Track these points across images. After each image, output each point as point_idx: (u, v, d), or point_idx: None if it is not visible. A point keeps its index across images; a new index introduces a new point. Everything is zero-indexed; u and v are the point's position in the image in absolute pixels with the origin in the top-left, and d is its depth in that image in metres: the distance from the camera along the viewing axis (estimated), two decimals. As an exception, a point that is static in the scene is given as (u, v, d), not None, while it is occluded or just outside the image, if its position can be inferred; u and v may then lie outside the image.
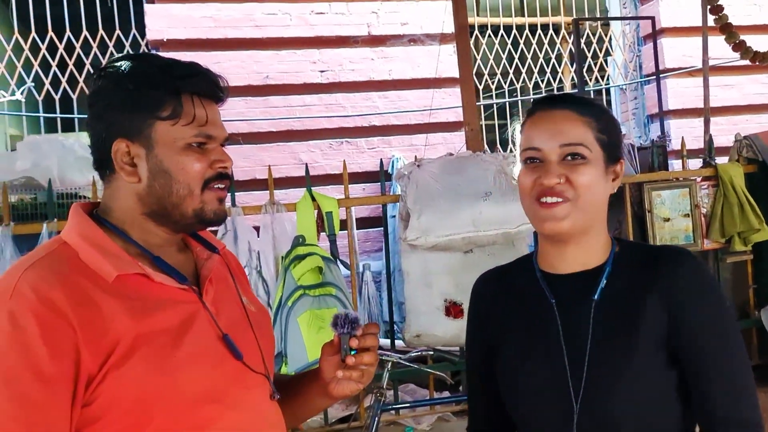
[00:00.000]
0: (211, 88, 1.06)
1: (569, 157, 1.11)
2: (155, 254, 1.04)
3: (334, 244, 3.05)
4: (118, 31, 5.24)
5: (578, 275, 1.14)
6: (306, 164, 3.48)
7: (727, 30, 3.78)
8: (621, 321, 1.09)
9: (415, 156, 3.24)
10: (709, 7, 3.81)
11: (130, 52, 5.27)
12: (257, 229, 3.04)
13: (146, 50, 5.30)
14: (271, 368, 1.14)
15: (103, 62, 5.42)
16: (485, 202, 2.96)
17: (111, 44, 5.22)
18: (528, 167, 1.13)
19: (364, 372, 1.13)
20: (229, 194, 2.07)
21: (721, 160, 3.74)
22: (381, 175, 3.29)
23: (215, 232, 2.91)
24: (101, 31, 5.22)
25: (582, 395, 1.08)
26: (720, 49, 4.19)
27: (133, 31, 5.29)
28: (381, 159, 3.49)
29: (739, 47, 3.76)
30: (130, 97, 1.01)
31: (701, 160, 3.66)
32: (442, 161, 3.17)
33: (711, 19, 3.92)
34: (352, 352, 1.10)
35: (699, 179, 3.57)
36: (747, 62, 3.85)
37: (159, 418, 0.95)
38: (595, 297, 1.11)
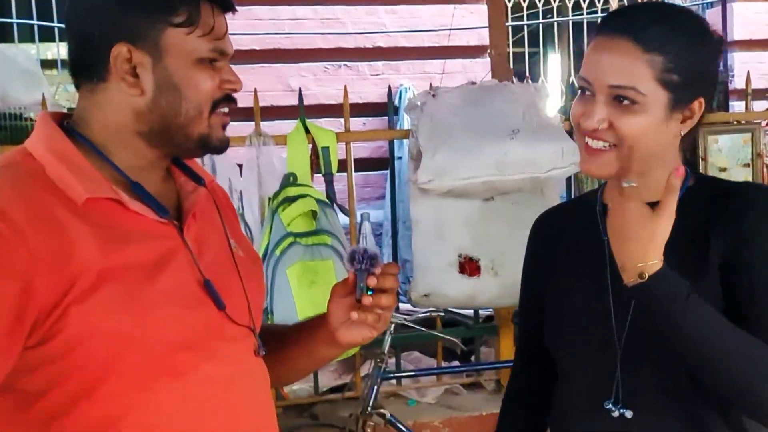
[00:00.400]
0: None
1: (618, 99, 1.16)
2: (135, 179, 1.08)
3: (330, 186, 3.10)
4: None
5: None
6: (300, 89, 3.51)
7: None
8: (675, 262, 1.14)
9: (430, 84, 3.27)
10: None
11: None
12: (240, 165, 3.09)
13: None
14: (259, 321, 1.19)
15: None
16: (512, 141, 3.01)
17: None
18: (580, 97, 1.21)
19: (381, 316, 1.19)
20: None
21: (793, 102, 3.78)
22: (389, 106, 3.33)
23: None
24: None
25: (625, 339, 1.20)
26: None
27: None
28: (389, 86, 3.53)
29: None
30: None
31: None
32: (463, 91, 3.21)
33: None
34: (369, 293, 1.16)
35: (764, 123, 3.61)
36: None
37: (128, 359, 1.00)
38: None
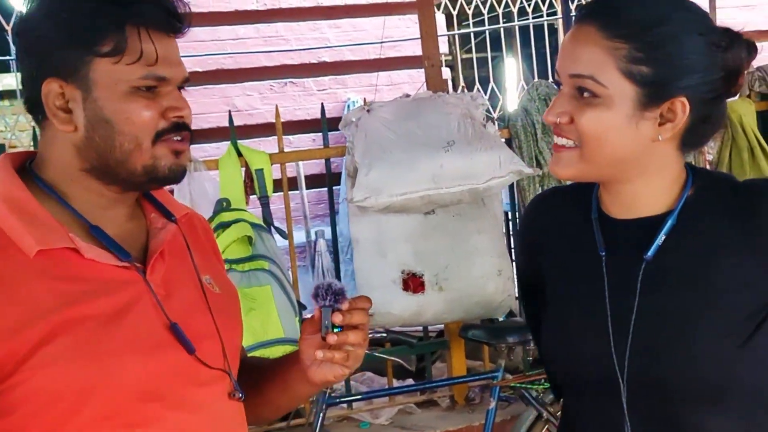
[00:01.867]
0: (165, 18, 1.03)
1: (580, 91, 1.06)
2: (94, 222, 1.03)
3: (266, 209, 3.05)
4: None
5: (636, 223, 1.12)
6: (230, 111, 3.45)
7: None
8: (685, 291, 1.07)
9: (365, 99, 3.22)
10: None
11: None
12: (171, 192, 3.01)
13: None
14: (235, 361, 1.14)
15: None
16: (447, 153, 2.97)
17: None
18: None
19: (350, 354, 1.12)
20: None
21: (733, 96, 3.79)
22: (323, 123, 3.28)
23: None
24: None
25: (627, 368, 1.08)
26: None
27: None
28: (322, 103, 3.47)
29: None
30: (63, 28, 0.99)
31: (708, 96, 3.70)
32: (396, 104, 3.17)
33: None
34: (336, 330, 1.10)
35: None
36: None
37: (86, 413, 0.96)
38: (648, 255, 1.09)
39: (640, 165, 1.08)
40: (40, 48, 1.02)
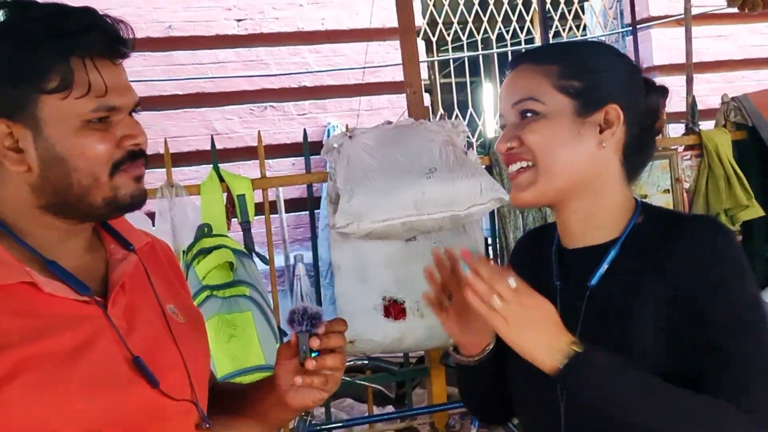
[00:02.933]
0: (110, 45, 1.00)
1: (523, 115, 1.15)
2: (50, 257, 1.01)
3: (248, 234, 3.04)
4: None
5: (586, 251, 1.17)
6: (212, 136, 3.45)
7: (715, -29, 3.88)
8: (615, 314, 1.11)
9: (347, 125, 3.24)
10: (693, -57, 3.90)
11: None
12: (152, 216, 3.00)
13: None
14: (203, 390, 1.13)
15: None
16: (429, 180, 2.98)
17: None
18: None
19: (329, 378, 1.12)
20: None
21: (710, 126, 3.85)
22: (305, 148, 3.29)
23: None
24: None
25: (566, 395, 1.13)
26: (711, -7, 4.30)
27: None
28: (305, 128, 3.48)
29: (727, -8, 3.87)
30: (6, 67, 0.97)
31: (683, 126, 3.76)
32: (379, 131, 3.18)
33: (697, -41, 4.01)
34: (313, 354, 1.10)
35: (681, 148, 3.67)
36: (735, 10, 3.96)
37: None
38: (592, 282, 1.14)
39: (590, 179, 1.14)
40: None
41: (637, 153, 1.18)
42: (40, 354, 0.95)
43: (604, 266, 1.14)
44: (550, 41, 3.89)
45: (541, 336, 1.05)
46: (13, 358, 0.93)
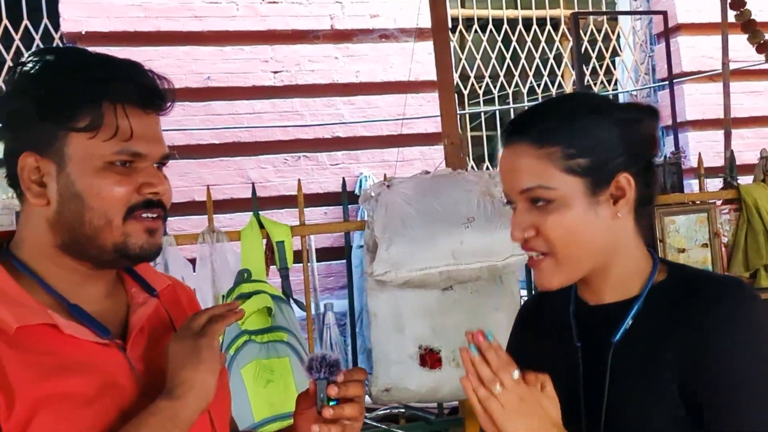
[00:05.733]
0: (143, 95, 1.05)
1: (534, 202, 1.12)
2: (72, 300, 1.03)
3: (286, 280, 3.08)
4: (25, 21, 5.26)
5: (607, 308, 1.18)
6: (252, 183, 3.51)
7: (750, 28, 3.94)
8: (641, 371, 1.11)
9: (385, 174, 3.29)
10: (729, 0, 3.97)
11: (41, 47, 5.28)
12: (193, 261, 3.05)
13: (60, 44, 5.32)
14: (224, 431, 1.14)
15: (7, 59, 5.33)
16: (467, 230, 3.02)
17: (17, 38, 5.23)
18: (512, 213, 1.17)
19: (347, 427, 1.12)
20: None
21: (747, 180, 3.87)
22: (343, 197, 3.35)
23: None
24: (5, 21, 5.23)
25: None
26: (745, 50, 4.35)
27: (45, 21, 5.30)
28: (343, 178, 3.55)
29: (764, 48, 3.92)
30: (40, 103, 1.01)
31: (721, 180, 3.77)
32: (417, 181, 3.23)
33: (732, 15, 4.08)
34: (332, 403, 1.10)
35: (719, 203, 3.68)
36: (773, 66, 4.00)
37: None
38: (615, 339, 1.14)
39: (609, 248, 1.14)
40: (18, 122, 1.04)
41: (647, 195, 1.18)
42: (58, 393, 0.97)
43: (629, 321, 1.14)
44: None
45: (534, 423, 1.04)
46: (32, 397, 0.95)
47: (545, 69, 6.39)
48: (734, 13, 4.04)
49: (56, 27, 5.33)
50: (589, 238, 1.12)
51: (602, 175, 1.12)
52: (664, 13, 5.14)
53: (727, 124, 3.94)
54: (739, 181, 3.71)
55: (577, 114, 1.15)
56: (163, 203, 1.07)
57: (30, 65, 1.04)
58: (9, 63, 5.18)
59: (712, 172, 4.02)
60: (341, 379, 1.11)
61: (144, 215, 1.05)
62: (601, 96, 1.25)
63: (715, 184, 4.02)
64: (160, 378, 1.05)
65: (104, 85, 1.02)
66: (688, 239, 3.56)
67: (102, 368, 1.02)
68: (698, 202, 3.65)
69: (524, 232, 1.13)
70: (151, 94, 1.06)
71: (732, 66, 4.20)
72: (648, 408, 1.10)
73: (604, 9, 6.54)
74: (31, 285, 1.03)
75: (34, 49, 5.26)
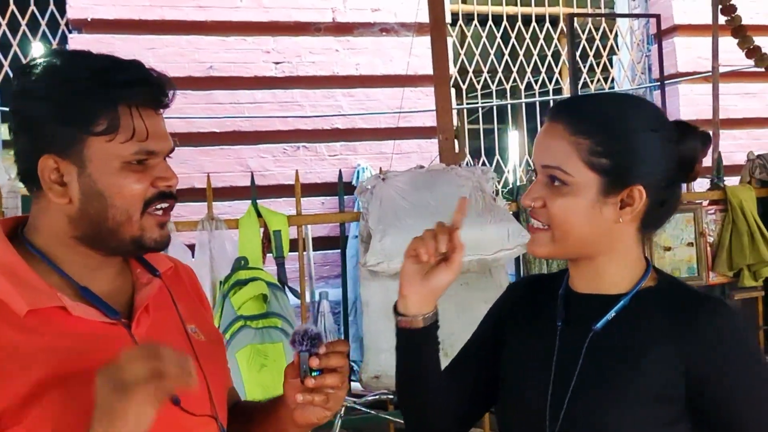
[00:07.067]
0: (155, 96, 1.10)
1: (551, 179, 1.20)
2: (84, 282, 1.09)
3: (282, 268, 3.15)
4: (32, 8, 5.32)
5: (594, 298, 1.24)
6: (252, 172, 3.59)
7: (740, 33, 4.01)
8: (617, 362, 1.18)
9: (380, 168, 3.37)
10: (720, 6, 4.04)
11: (47, 33, 5.34)
12: (192, 248, 3.12)
13: (66, 31, 5.38)
14: (222, 405, 1.20)
15: (13, 44, 5.34)
16: (458, 224, 3.10)
17: (24, 23, 5.29)
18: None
19: (330, 396, 1.18)
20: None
21: (734, 182, 3.95)
22: (339, 188, 3.42)
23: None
24: (12, 7, 5.29)
25: (559, 426, 1.20)
26: (739, 51, 4.41)
27: (51, 7, 5.36)
28: (340, 169, 3.62)
29: (753, 53, 3.99)
30: (59, 109, 1.05)
31: (708, 180, 3.85)
32: (411, 175, 3.31)
33: (723, 19, 4.14)
34: (314, 374, 1.16)
35: (705, 203, 3.76)
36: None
37: None
38: (597, 326, 1.21)
39: (603, 244, 1.21)
40: (36, 126, 1.07)
41: (658, 213, 1.23)
42: (65, 373, 1.01)
43: (612, 313, 1.21)
44: (579, 93, 4.02)
45: None
46: (41, 375, 0.99)
47: (543, 65, 6.45)
48: (725, 18, 4.10)
49: (62, 13, 5.38)
50: (586, 229, 1.19)
51: (619, 180, 1.18)
52: (658, 17, 5.21)
53: (715, 125, 4.01)
54: (725, 183, 3.79)
55: (618, 117, 1.20)
56: (174, 194, 1.15)
57: (41, 69, 1.08)
58: (15, 48, 5.25)
59: (703, 172, 4.08)
60: (323, 351, 1.17)
61: (158, 207, 1.12)
62: (653, 106, 1.27)
63: (702, 184, 4.09)
64: None
65: (119, 90, 1.07)
66: (674, 238, 3.65)
67: (109, 346, 1.04)
68: (685, 202, 3.73)
69: (534, 201, 1.21)
70: (160, 94, 1.11)
71: (727, 68, 4.27)
72: (619, 400, 1.17)
73: (602, 7, 6.60)
74: (43, 268, 1.09)
75: (38, 39, 5.32)
